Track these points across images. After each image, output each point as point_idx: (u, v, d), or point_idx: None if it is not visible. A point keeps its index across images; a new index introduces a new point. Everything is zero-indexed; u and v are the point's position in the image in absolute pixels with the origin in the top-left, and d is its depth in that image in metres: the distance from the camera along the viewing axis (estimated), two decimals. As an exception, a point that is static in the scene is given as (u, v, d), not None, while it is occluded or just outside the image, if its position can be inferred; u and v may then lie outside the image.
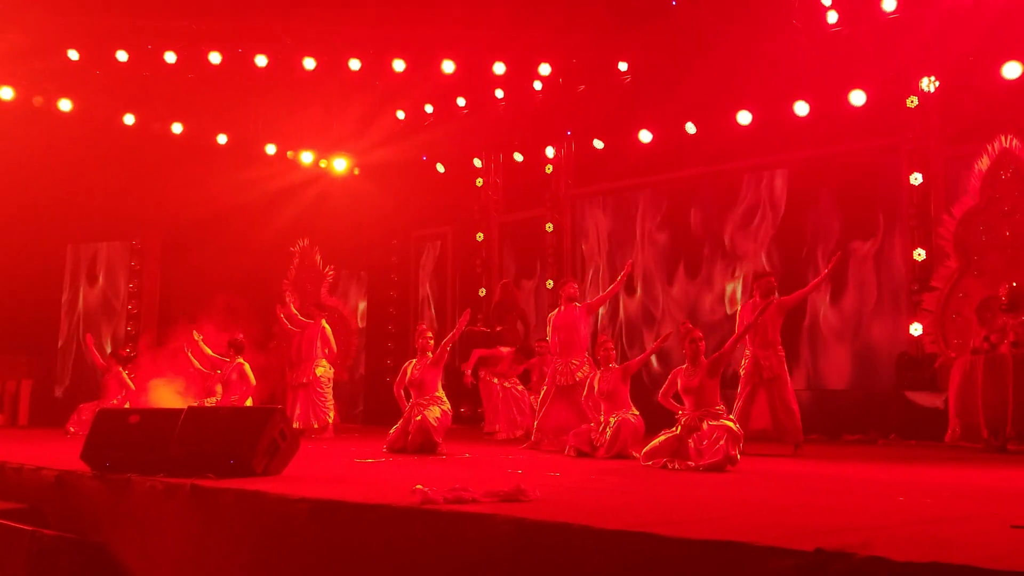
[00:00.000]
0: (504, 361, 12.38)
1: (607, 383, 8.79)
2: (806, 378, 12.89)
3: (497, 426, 11.96)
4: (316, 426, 12.57)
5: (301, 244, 16.13)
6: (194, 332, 12.21)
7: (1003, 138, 10.28)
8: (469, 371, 12.32)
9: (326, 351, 13.08)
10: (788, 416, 9.10)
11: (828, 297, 12.89)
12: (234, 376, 11.68)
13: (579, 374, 9.61)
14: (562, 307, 10.08)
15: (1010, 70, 11.07)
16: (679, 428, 7.43)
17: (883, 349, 12.45)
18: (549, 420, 9.70)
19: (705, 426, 7.24)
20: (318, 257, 16.14)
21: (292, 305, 14.24)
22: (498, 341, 12.76)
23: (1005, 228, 10.04)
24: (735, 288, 13.81)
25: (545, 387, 9.98)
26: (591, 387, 9.06)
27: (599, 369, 9.13)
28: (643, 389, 11.41)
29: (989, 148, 10.38)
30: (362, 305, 17.88)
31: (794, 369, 12.67)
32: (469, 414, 14.36)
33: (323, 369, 12.93)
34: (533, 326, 14.57)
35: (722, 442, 7.05)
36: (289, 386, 13.12)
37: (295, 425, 11.95)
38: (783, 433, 9.12)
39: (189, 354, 12.13)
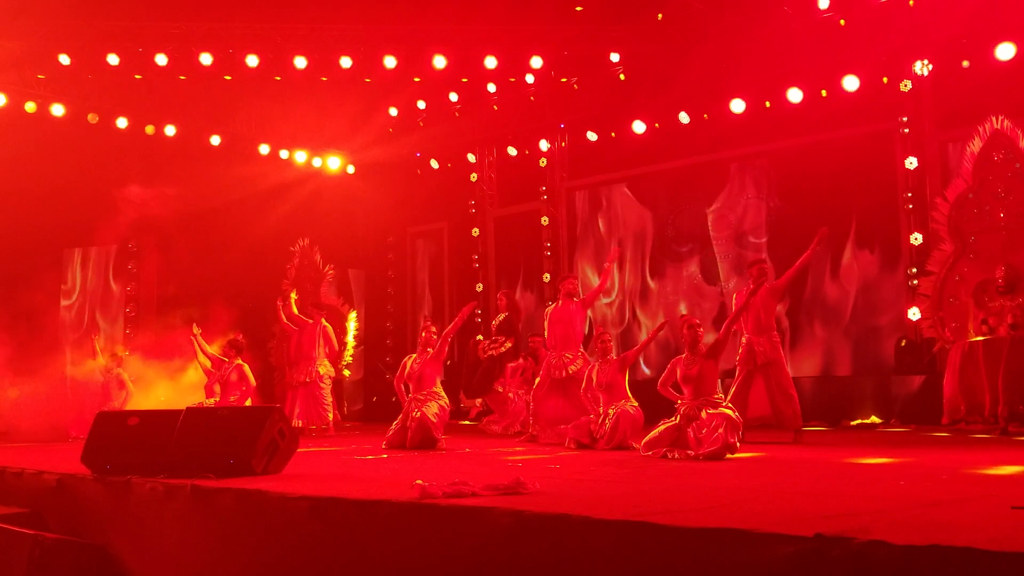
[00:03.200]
0: (528, 370, 12.18)
1: (605, 375, 8.79)
2: (806, 364, 12.90)
3: (521, 425, 11.75)
4: (317, 426, 12.54)
5: (301, 243, 16.11)
6: (193, 326, 12.19)
7: (994, 119, 10.23)
8: (511, 392, 12.00)
9: (327, 350, 13.07)
10: (786, 402, 9.07)
11: (826, 283, 12.90)
12: (233, 376, 11.64)
13: (572, 368, 9.62)
14: (560, 301, 10.08)
15: (1003, 51, 11.06)
16: (678, 417, 7.44)
17: (882, 334, 12.46)
18: (545, 412, 9.70)
19: (704, 415, 7.24)
20: (318, 256, 16.12)
21: (294, 304, 14.22)
22: (517, 353, 12.52)
23: (999, 210, 10.00)
24: (732, 275, 13.82)
25: (539, 380, 9.97)
26: (589, 379, 9.05)
27: (597, 361, 9.12)
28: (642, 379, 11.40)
29: (980, 130, 10.33)
30: (359, 303, 17.85)
31: (794, 356, 12.70)
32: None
33: (324, 368, 12.92)
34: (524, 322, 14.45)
35: (721, 430, 7.06)
36: (289, 385, 13.10)
37: (298, 424, 11.95)
38: (782, 419, 9.09)
39: (196, 346, 12.06)
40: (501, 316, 12.40)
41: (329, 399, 12.86)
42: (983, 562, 2.79)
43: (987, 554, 2.80)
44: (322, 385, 12.74)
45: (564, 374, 9.63)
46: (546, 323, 10.16)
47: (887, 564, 2.90)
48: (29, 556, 5.54)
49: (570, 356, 9.73)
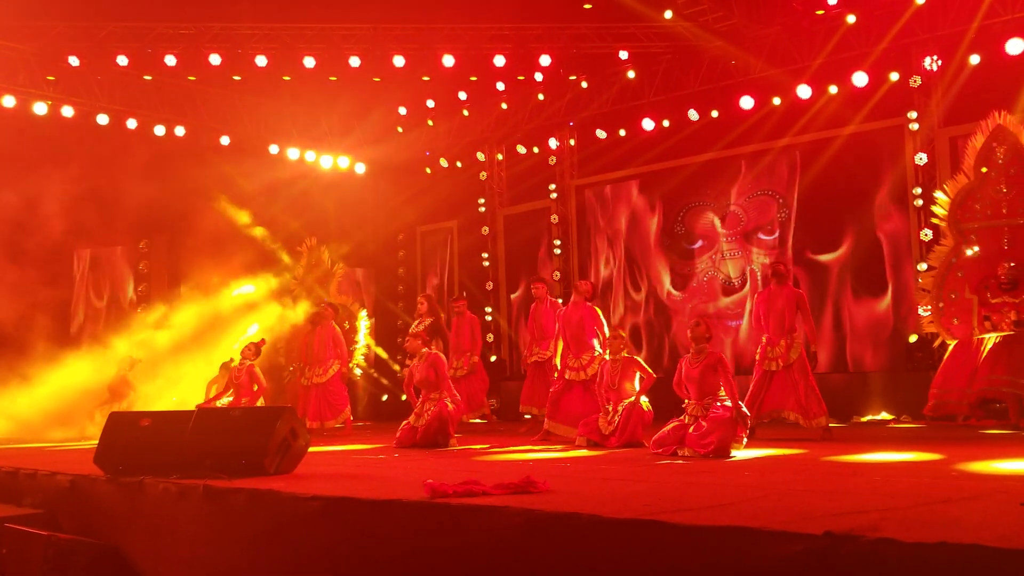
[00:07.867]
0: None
1: (613, 375, 8.79)
2: (817, 361, 12.85)
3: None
4: (331, 425, 12.54)
5: (309, 242, 16.15)
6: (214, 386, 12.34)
7: (996, 114, 10.12)
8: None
9: (338, 350, 13.11)
10: (816, 400, 8.96)
11: (836, 280, 12.87)
12: (244, 378, 11.67)
13: (590, 370, 9.62)
14: (572, 301, 10.15)
15: (1013, 46, 11.01)
16: (686, 416, 7.49)
17: (892, 330, 12.44)
18: (564, 407, 9.73)
19: (707, 413, 7.29)
20: (327, 255, 16.14)
21: (304, 303, 14.27)
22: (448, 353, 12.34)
23: (1002, 205, 9.91)
24: (741, 273, 13.80)
25: (556, 377, 9.99)
26: (601, 375, 9.07)
27: (608, 359, 9.10)
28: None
29: (982, 124, 10.23)
30: (369, 302, 17.87)
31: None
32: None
33: (336, 368, 12.96)
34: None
35: (724, 428, 7.11)
36: (302, 386, 13.07)
37: (315, 424, 11.99)
38: (810, 416, 8.92)
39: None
40: (425, 322, 11.87)
41: (345, 398, 12.93)
42: (992, 559, 2.79)
43: (996, 551, 2.80)
44: (336, 385, 12.79)
45: (584, 376, 9.66)
46: (557, 322, 10.17)
47: (896, 562, 2.91)
48: (43, 556, 5.58)
49: (586, 359, 9.75)
